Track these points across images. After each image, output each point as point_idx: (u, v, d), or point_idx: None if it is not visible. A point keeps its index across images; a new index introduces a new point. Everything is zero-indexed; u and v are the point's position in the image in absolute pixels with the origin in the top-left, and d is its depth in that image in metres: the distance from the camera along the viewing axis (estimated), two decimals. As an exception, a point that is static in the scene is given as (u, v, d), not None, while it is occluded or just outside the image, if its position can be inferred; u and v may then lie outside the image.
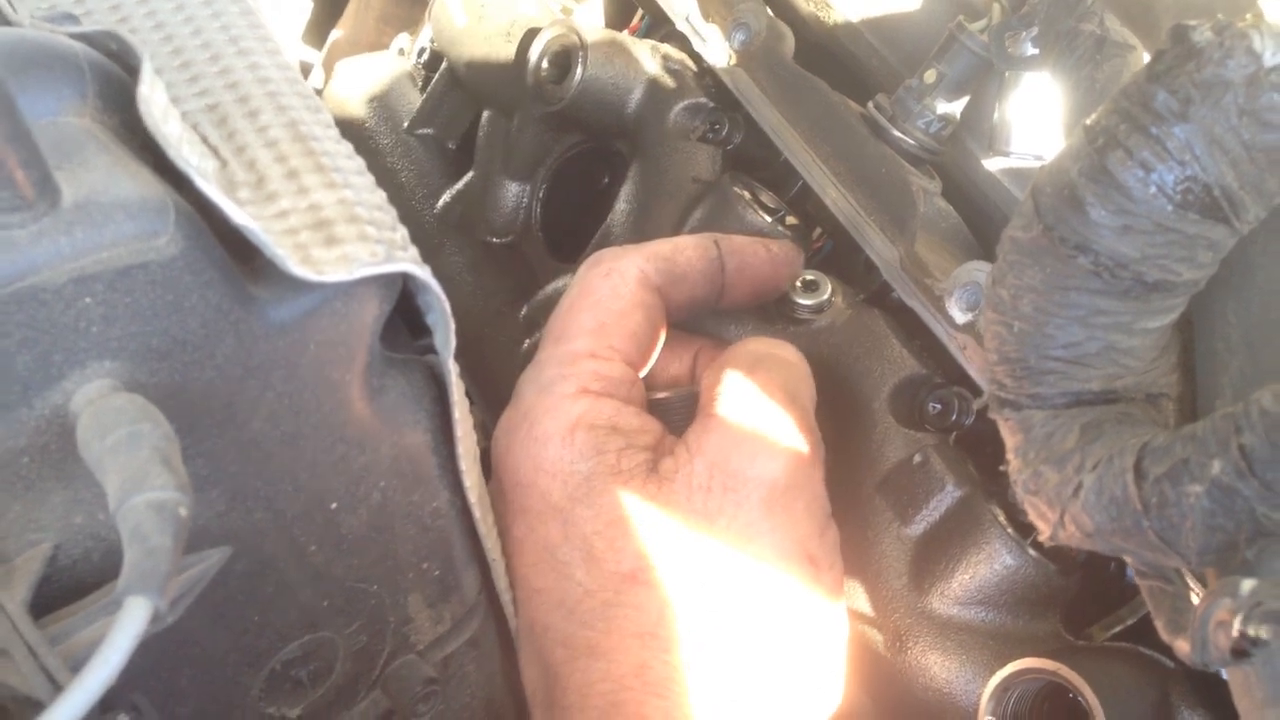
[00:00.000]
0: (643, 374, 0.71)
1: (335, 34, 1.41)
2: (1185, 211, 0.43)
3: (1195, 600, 0.45)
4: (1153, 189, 0.43)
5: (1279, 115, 0.41)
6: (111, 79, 0.45)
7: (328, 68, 1.37)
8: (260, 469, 0.48)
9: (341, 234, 0.47)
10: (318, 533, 0.52)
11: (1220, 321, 0.48)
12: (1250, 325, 0.46)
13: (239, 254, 0.45)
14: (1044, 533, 0.48)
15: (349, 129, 1.08)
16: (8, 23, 0.48)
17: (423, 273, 0.48)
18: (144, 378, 0.43)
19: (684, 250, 0.73)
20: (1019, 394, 0.49)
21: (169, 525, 0.37)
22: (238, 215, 0.42)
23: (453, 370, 0.53)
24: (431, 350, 0.54)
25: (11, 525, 0.42)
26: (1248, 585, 0.37)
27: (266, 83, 0.53)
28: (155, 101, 0.44)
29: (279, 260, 0.43)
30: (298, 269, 0.43)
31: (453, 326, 0.51)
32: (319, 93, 1.33)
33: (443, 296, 0.50)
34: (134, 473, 0.38)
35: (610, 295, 0.69)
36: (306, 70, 1.41)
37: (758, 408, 0.65)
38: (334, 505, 0.52)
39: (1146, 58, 0.57)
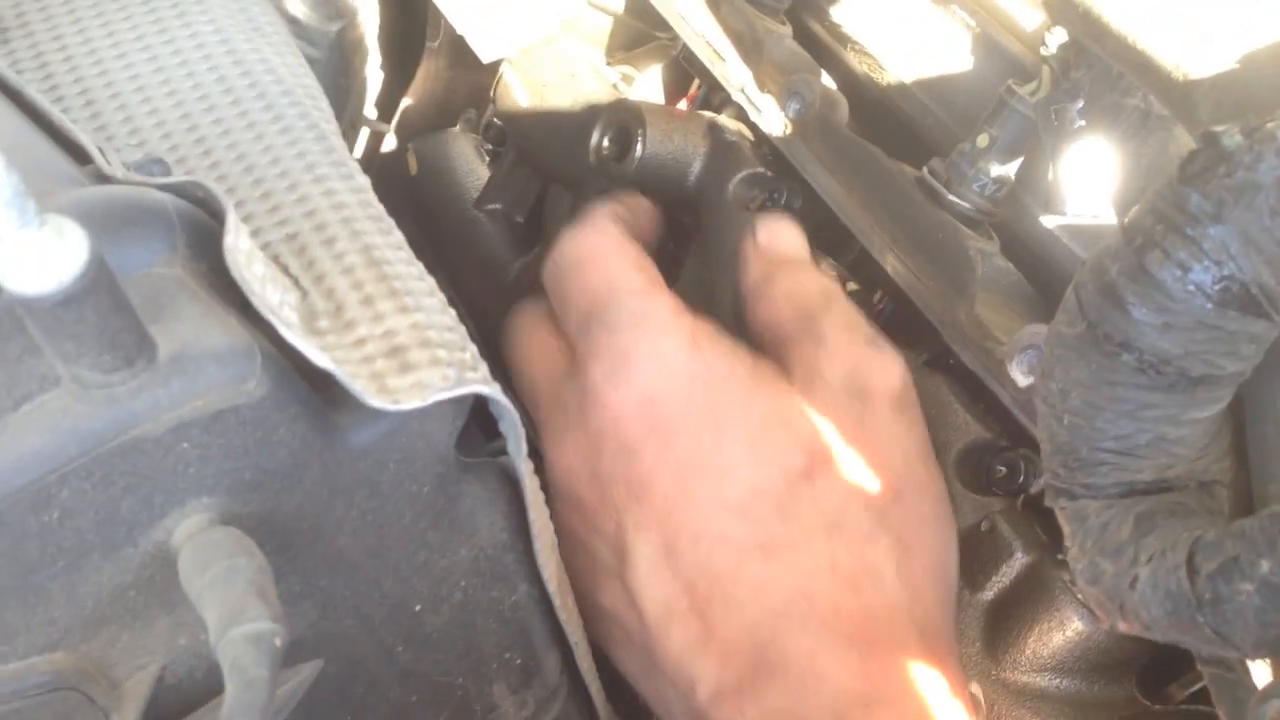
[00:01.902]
0: None
1: (405, 102, 1.45)
2: (1225, 309, 0.44)
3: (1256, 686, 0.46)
4: (1191, 288, 0.44)
5: (1312, 214, 0.42)
6: (199, 226, 0.49)
7: (400, 135, 1.41)
8: (348, 580, 0.51)
9: (415, 359, 0.50)
10: (404, 634, 0.55)
11: (1269, 406, 0.48)
12: (1299, 411, 0.47)
13: (320, 381, 0.48)
14: (1104, 623, 0.49)
15: (423, 206, 1.12)
16: (101, 173, 0.52)
17: (492, 390, 0.51)
18: (238, 508, 0.46)
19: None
20: (1072, 484, 0.50)
21: (266, 656, 0.40)
22: (320, 359, 0.45)
23: (526, 471, 0.56)
24: (504, 451, 0.57)
25: (121, 653, 0.46)
26: (1296, 689, 0.38)
27: (341, 208, 0.57)
28: (240, 249, 0.47)
29: (359, 394, 0.46)
30: (375, 401, 0.46)
31: (524, 434, 0.54)
32: (390, 154, 1.38)
33: (511, 408, 0.53)
34: (232, 606, 0.41)
35: (618, 245, 0.75)
36: (380, 140, 1.45)
37: (863, 329, 0.71)
38: (418, 607, 0.55)
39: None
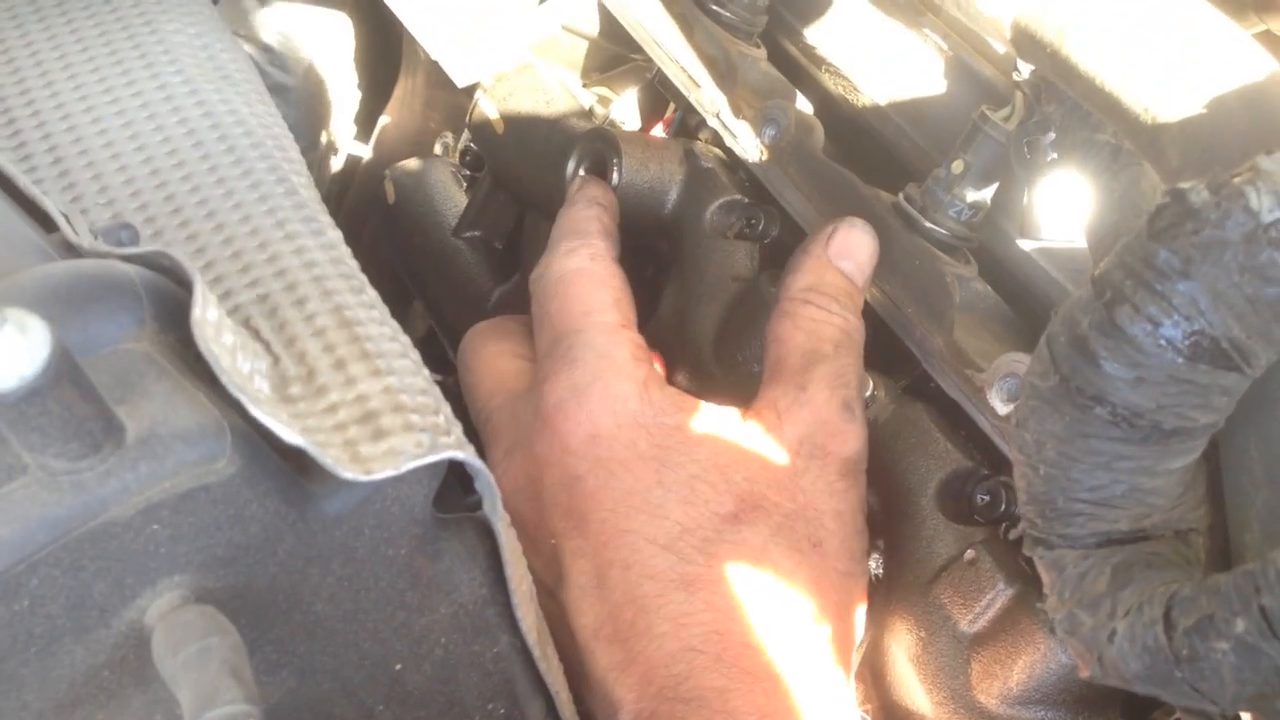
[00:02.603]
0: None
1: (383, 120, 1.45)
2: (1196, 363, 0.44)
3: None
4: (1162, 342, 0.44)
5: (1279, 270, 0.42)
6: (166, 297, 0.48)
7: (378, 152, 1.41)
8: (325, 646, 0.51)
9: (387, 425, 0.49)
10: (384, 694, 0.55)
11: (1243, 456, 0.48)
12: (1273, 460, 0.47)
13: (292, 449, 0.48)
14: (1084, 673, 0.49)
15: (401, 234, 1.11)
16: (68, 243, 0.52)
17: (466, 455, 0.51)
18: (211, 584, 0.46)
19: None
20: (1050, 534, 0.50)
21: (241, 742, 0.40)
22: (290, 436, 0.44)
23: (502, 529, 0.56)
24: (480, 506, 0.57)
25: (98, 733, 0.45)
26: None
27: (312, 266, 0.56)
28: (208, 320, 0.46)
29: (331, 468, 0.46)
30: (348, 473, 0.46)
31: (499, 493, 0.54)
32: (368, 183, 1.37)
33: (485, 469, 0.52)
34: (206, 689, 0.41)
35: (605, 275, 0.78)
36: (358, 161, 1.45)
37: (844, 392, 0.72)
38: (399, 667, 0.55)
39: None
